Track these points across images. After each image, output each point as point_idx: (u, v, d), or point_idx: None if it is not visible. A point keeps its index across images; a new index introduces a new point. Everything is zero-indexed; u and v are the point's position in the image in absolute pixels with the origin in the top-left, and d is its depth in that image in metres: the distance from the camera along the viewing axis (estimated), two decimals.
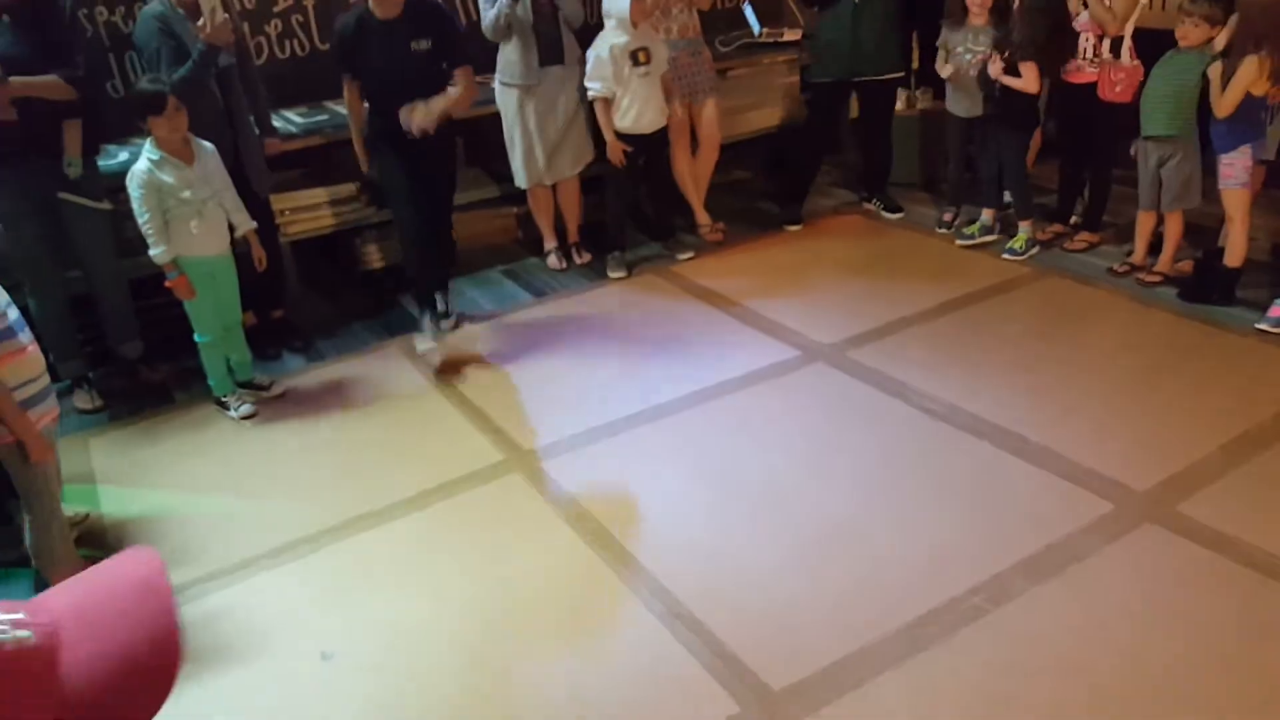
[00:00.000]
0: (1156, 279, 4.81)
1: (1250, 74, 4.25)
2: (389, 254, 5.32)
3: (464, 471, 3.78)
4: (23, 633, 0.75)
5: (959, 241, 5.52)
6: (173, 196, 3.94)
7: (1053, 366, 4.20)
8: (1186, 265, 4.88)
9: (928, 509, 3.35)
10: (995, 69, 5.02)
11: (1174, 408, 3.82)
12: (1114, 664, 2.66)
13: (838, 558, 3.16)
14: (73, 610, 0.79)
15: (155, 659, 0.78)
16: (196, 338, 4.19)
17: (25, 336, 2.97)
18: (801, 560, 3.16)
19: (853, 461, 3.66)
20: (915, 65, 6.24)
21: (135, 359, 4.58)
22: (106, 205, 4.29)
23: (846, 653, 2.77)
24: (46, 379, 3.07)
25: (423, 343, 4.67)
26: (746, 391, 4.20)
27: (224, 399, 4.30)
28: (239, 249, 4.25)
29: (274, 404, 4.39)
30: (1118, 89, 4.91)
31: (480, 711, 2.70)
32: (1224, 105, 4.34)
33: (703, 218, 5.82)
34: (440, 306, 4.75)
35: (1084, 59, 5.06)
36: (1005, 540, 3.15)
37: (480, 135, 5.50)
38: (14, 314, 2.96)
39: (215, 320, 4.19)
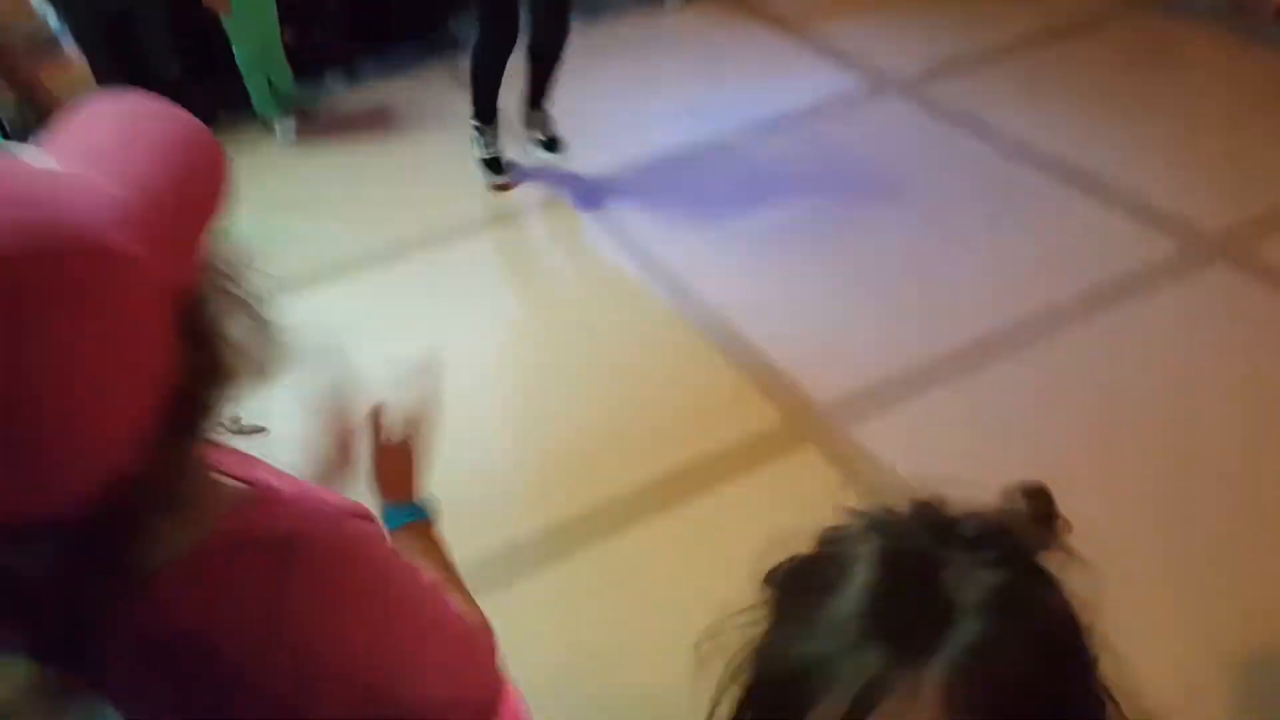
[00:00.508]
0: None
1: None
2: None
3: (515, 201, 3.71)
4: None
5: None
6: None
7: (1137, 103, 3.92)
8: None
9: (990, 241, 3.23)
10: None
11: (1259, 151, 3.58)
12: (1164, 390, 2.61)
13: (892, 285, 3.09)
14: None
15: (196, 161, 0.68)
16: (235, 54, 4.05)
17: (71, 51, 2.91)
18: (854, 286, 3.10)
19: (916, 195, 3.50)
20: None
21: (173, 80, 4.45)
22: None
23: (893, 371, 2.75)
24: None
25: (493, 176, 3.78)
26: (810, 123, 4.00)
27: (268, 118, 4.21)
28: None
29: (320, 127, 4.29)
30: None
31: (528, 427, 2.75)
32: None
33: None
34: (540, 133, 3.82)
35: None
36: (1066, 273, 3.04)
37: None
38: (57, 27, 2.88)
39: (253, 35, 4.02)
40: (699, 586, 2.21)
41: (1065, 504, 0.64)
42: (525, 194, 3.73)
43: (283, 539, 0.71)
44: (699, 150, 3.88)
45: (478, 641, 0.87)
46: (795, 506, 2.36)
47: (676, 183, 3.72)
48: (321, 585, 0.71)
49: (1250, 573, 2.14)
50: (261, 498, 0.74)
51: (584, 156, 3.90)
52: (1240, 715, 1.90)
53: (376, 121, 4.30)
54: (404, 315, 3.19)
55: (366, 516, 0.81)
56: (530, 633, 2.15)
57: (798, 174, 3.69)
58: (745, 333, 2.93)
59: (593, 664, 2.09)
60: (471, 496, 2.46)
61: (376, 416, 1.11)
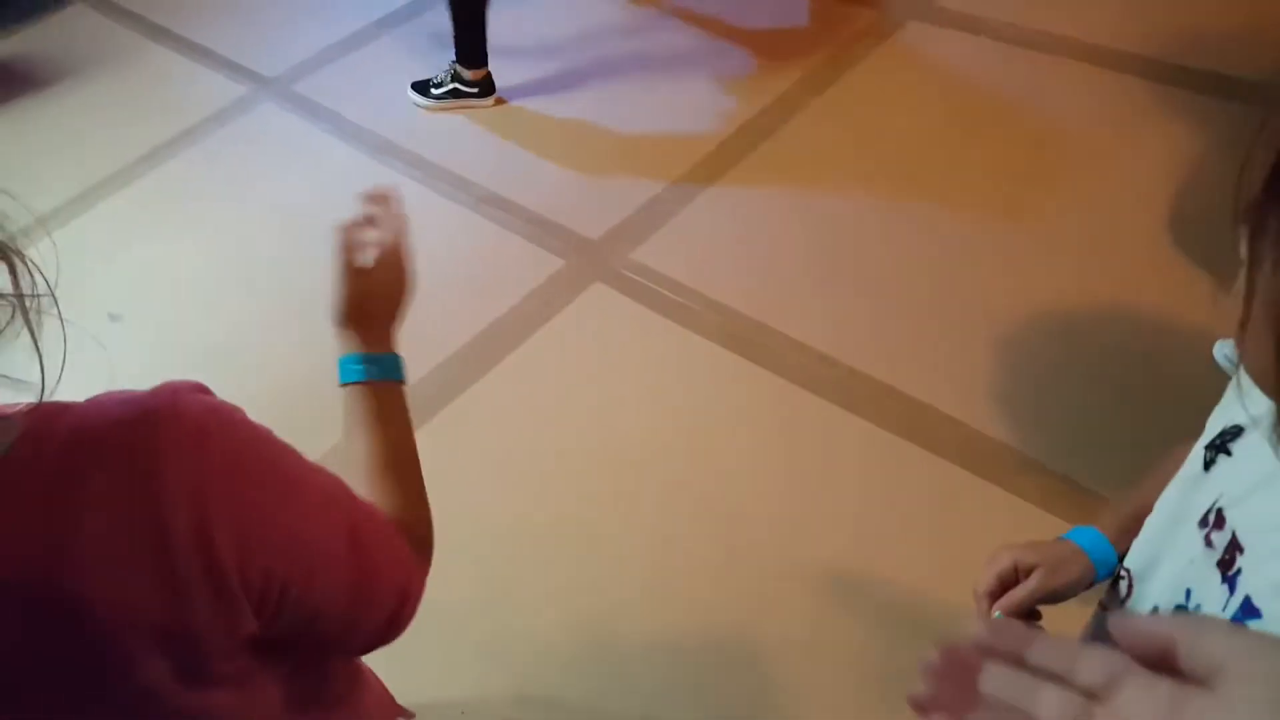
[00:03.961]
0: None
1: None
2: None
3: (207, 113, 3.41)
4: None
5: None
6: None
7: None
8: None
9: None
10: None
11: None
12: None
13: (623, 110, 3.14)
14: None
15: None
16: None
17: None
18: (594, 119, 3.13)
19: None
20: None
21: None
22: None
23: (654, 194, 2.83)
24: None
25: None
26: None
27: None
28: None
29: None
30: None
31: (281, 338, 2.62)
32: None
33: None
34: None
35: None
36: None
37: None
38: None
39: None
40: (537, 425, 2.28)
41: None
42: (215, 103, 3.44)
43: (129, 420, 0.58)
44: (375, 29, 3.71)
45: (387, 530, 0.75)
46: (601, 342, 2.45)
47: (375, 61, 3.55)
48: (206, 459, 0.58)
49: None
50: (51, 409, 0.59)
51: (270, 46, 3.64)
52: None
53: (27, 69, 3.77)
54: (126, 247, 2.91)
55: (202, 389, 0.66)
56: None
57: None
58: (502, 193, 2.91)
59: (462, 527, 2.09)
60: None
61: (348, 235, 0.91)
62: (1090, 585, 0.92)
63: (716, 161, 2.91)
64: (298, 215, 2.95)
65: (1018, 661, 0.42)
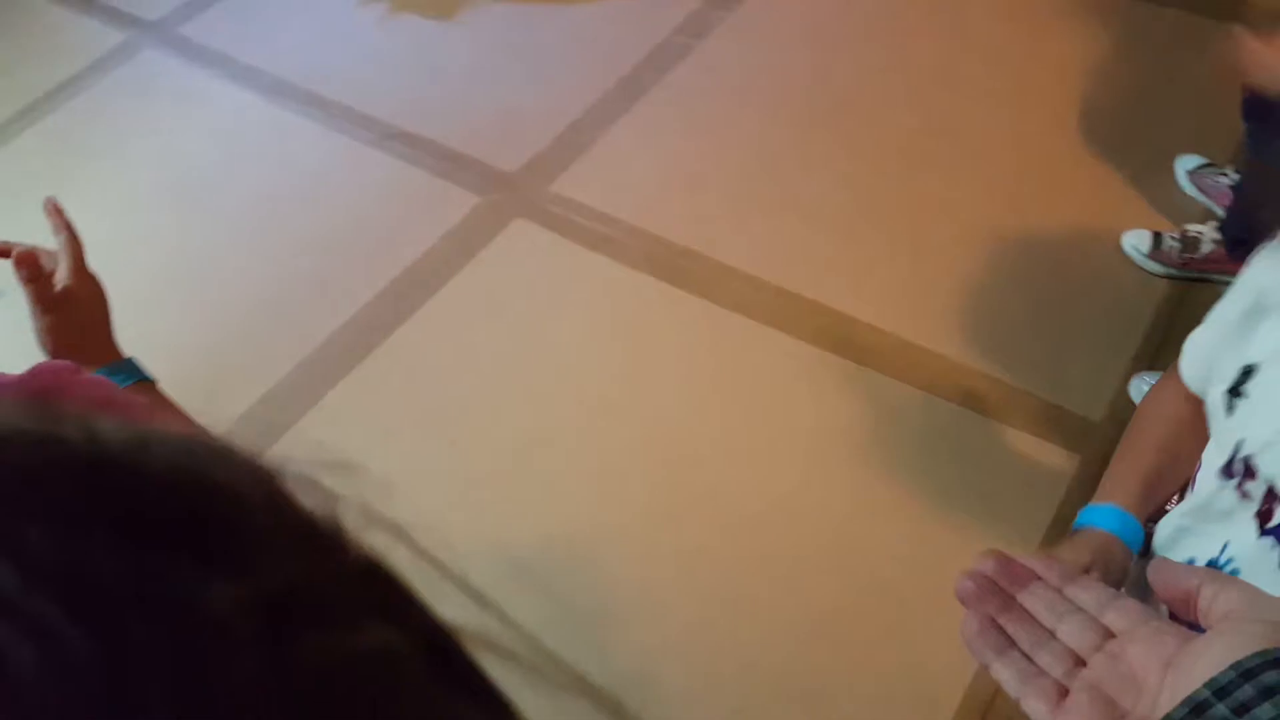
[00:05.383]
0: None
1: None
2: None
3: (84, 63, 3.18)
4: None
5: None
6: None
7: None
8: None
9: None
10: None
11: None
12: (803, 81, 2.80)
13: (532, 36, 3.02)
14: None
15: None
16: None
17: None
18: (496, 54, 2.99)
19: None
20: None
21: None
22: None
23: (570, 122, 2.73)
24: None
25: None
26: None
27: None
28: None
29: None
30: None
31: (211, 286, 2.49)
32: None
33: None
34: None
35: None
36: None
37: None
38: None
39: None
40: (462, 371, 2.21)
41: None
42: (91, 53, 3.21)
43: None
44: None
45: None
46: (526, 279, 2.37)
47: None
48: None
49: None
50: None
51: None
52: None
53: None
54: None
55: (75, 369, 0.61)
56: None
57: None
58: (409, 129, 2.77)
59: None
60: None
61: (29, 265, 0.83)
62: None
63: (631, 85, 2.81)
64: (190, 170, 2.79)
65: (1058, 591, 0.49)
